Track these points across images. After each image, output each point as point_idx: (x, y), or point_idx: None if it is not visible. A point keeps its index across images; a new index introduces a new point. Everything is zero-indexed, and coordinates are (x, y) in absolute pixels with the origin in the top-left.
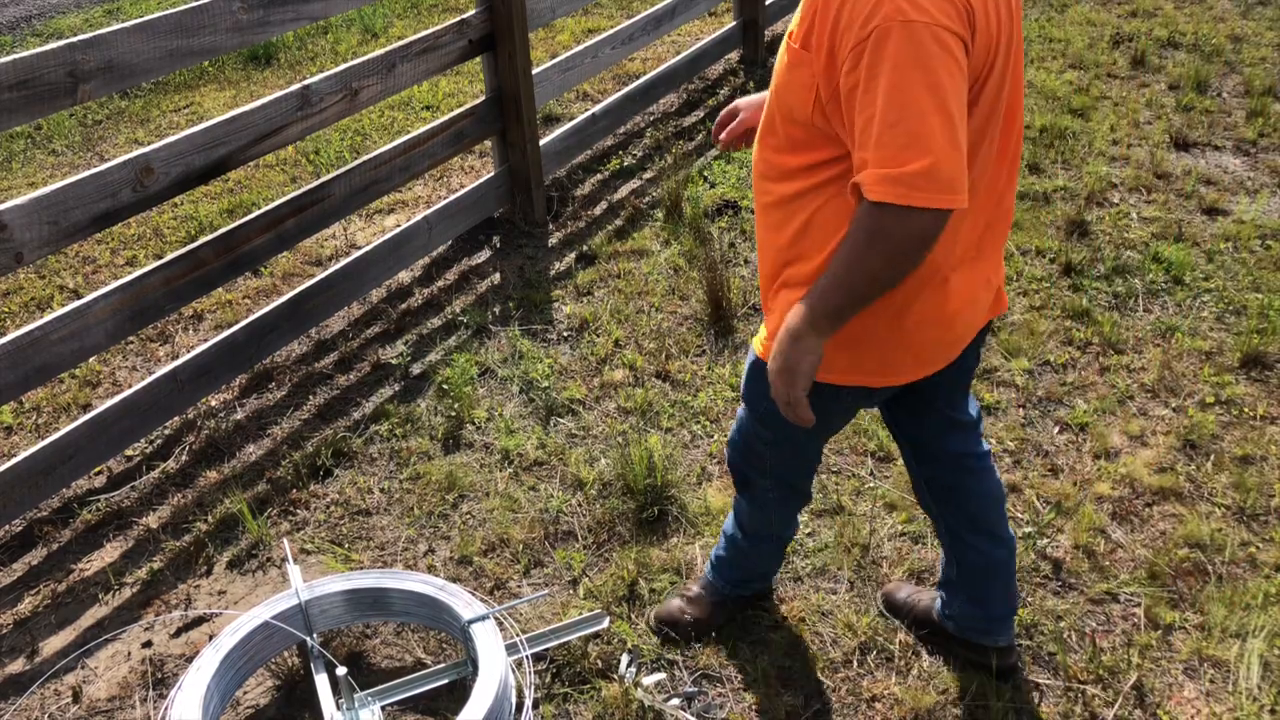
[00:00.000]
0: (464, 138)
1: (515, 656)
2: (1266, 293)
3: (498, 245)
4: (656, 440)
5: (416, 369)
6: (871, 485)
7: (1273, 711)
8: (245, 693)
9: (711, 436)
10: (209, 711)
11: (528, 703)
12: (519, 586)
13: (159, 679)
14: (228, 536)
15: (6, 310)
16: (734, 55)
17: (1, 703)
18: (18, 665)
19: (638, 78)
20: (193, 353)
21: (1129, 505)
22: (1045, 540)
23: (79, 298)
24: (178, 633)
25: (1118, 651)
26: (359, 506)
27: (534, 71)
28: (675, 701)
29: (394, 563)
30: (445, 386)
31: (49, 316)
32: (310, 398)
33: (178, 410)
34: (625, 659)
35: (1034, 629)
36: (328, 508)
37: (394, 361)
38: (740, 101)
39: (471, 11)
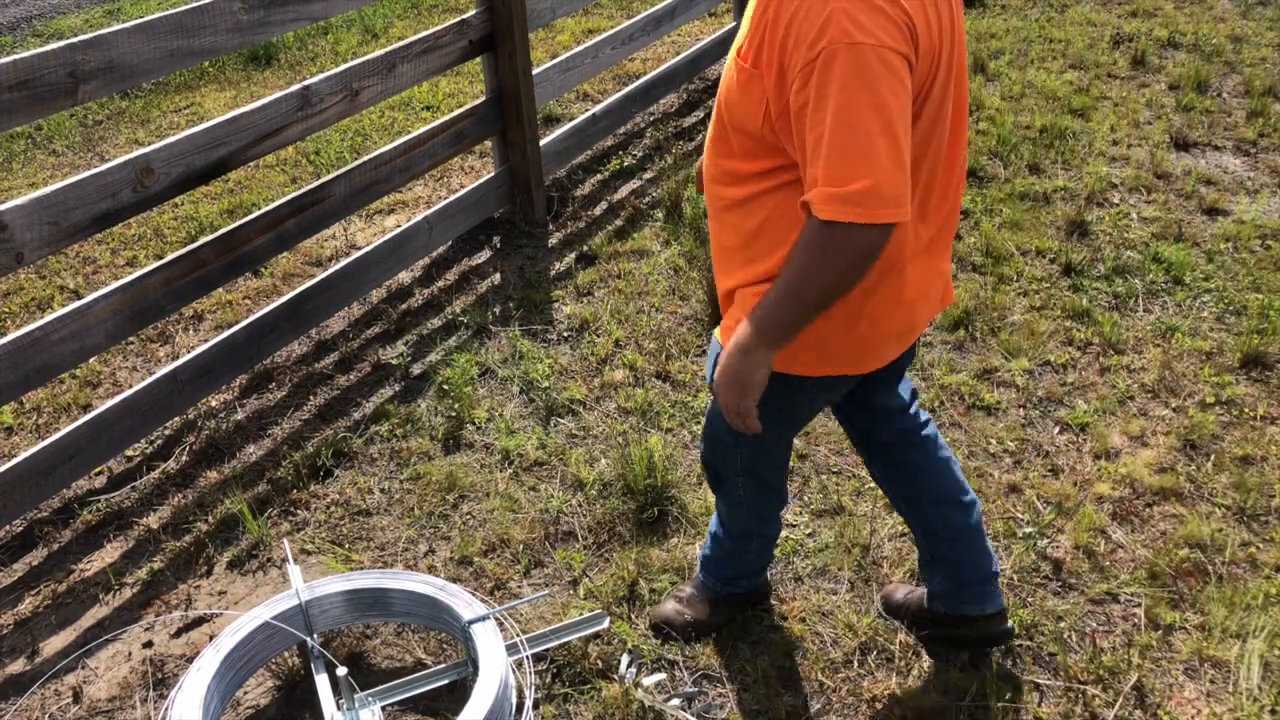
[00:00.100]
0: (464, 138)
1: (515, 657)
2: (1266, 293)
3: (498, 245)
4: (657, 440)
5: (417, 369)
6: (872, 485)
7: (1273, 712)
8: (246, 693)
9: None
10: (209, 712)
11: (528, 703)
12: (519, 587)
13: (159, 679)
14: (228, 537)
15: (7, 310)
16: None
17: (2, 703)
18: (18, 665)
19: (638, 78)
20: (193, 353)
21: (1129, 505)
22: (1045, 540)
23: (79, 298)
24: (178, 633)
25: (1118, 652)
26: (359, 507)
27: (534, 72)
28: (675, 702)
29: (394, 563)
30: (445, 387)
31: (49, 317)
32: (310, 398)
33: (178, 410)
34: (625, 659)
35: (1034, 629)
36: (328, 508)
37: (394, 362)
38: None
39: (471, 12)
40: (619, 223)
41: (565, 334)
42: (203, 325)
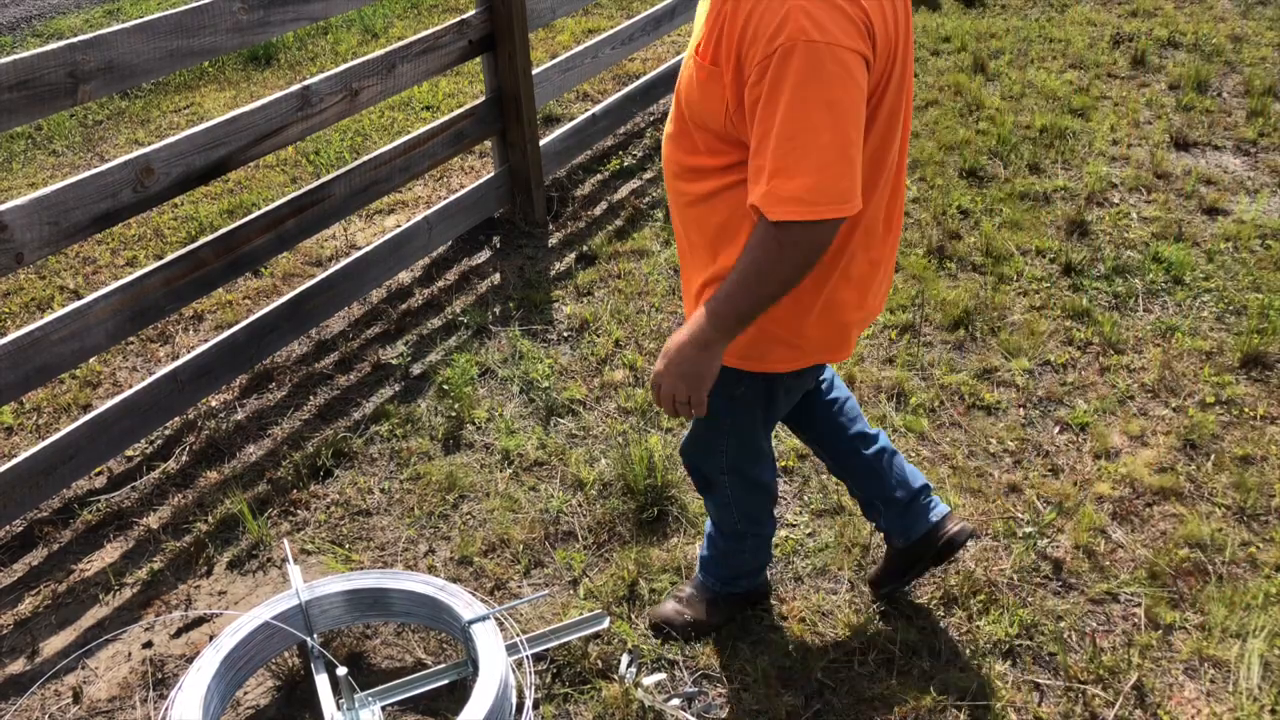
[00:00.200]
0: (464, 138)
1: (515, 657)
2: (1266, 293)
3: (498, 245)
4: (657, 440)
5: (417, 369)
6: None
7: (1273, 712)
8: (245, 693)
9: None
10: (209, 712)
11: (528, 703)
12: (519, 587)
13: (159, 679)
14: (228, 537)
15: (7, 310)
16: None
17: (2, 703)
18: (18, 665)
19: (638, 78)
20: (193, 353)
21: (1129, 505)
22: (1046, 540)
23: (79, 298)
24: (178, 633)
25: (1118, 651)
26: (359, 507)
27: (534, 72)
28: (675, 702)
29: (394, 563)
30: (445, 387)
31: (49, 317)
32: (310, 398)
33: (178, 410)
34: (625, 659)
35: (1034, 629)
36: (328, 508)
37: (394, 362)
38: None
39: (471, 12)
40: (619, 223)
41: (565, 334)
42: (203, 325)
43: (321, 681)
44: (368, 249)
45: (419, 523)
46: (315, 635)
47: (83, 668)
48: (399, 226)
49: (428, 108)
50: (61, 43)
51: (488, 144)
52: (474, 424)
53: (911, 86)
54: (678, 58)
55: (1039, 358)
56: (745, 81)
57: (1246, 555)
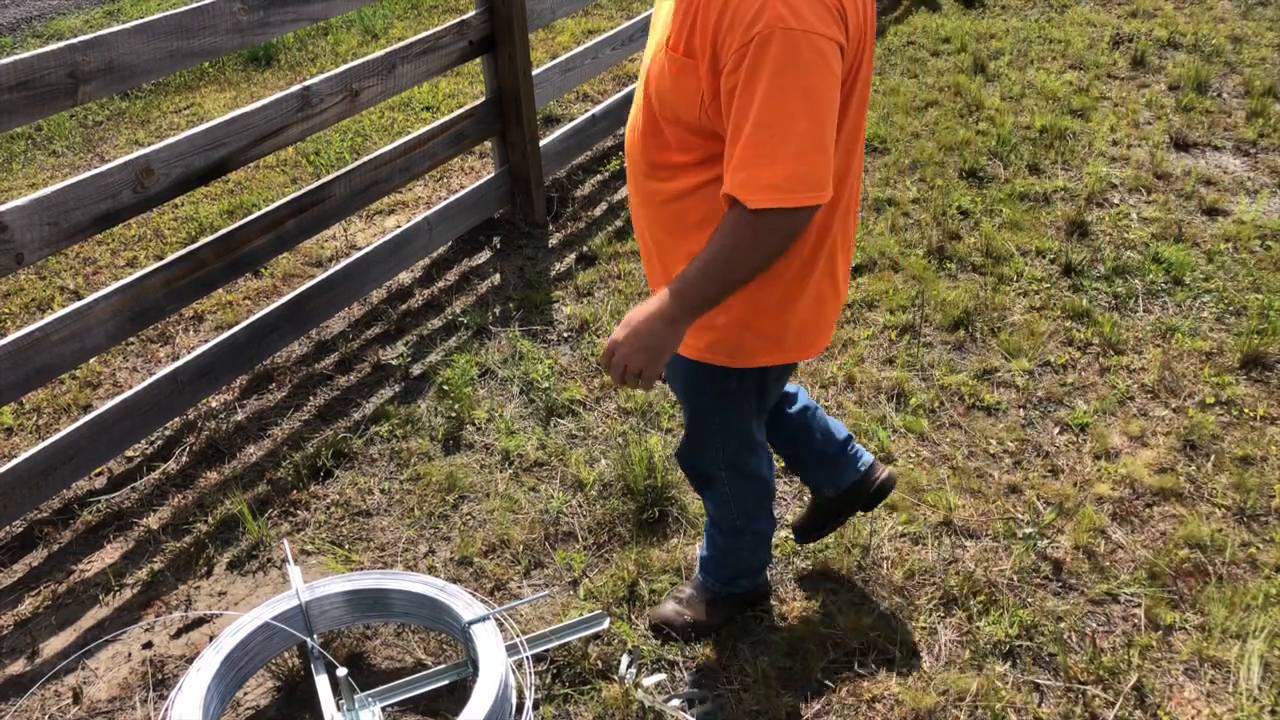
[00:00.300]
0: (464, 138)
1: (515, 657)
2: (1266, 293)
3: (498, 246)
4: (656, 441)
5: (417, 370)
6: None
7: (1273, 712)
8: (245, 694)
9: None
10: (209, 712)
11: (528, 703)
12: (519, 587)
13: (159, 680)
14: (228, 537)
15: (7, 311)
16: None
17: (2, 704)
18: (18, 666)
19: (637, 78)
20: (193, 353)
21: (1129, 506)
22: (1046, 541)
23: (79, 299)
24: (178, 634)
25: (1118, 652)
26: (359, 507)
27: (534, 72)
28: (675, 702)
29: (394, 563)
30: (445, 387)
31: (49, 317)
32: (310, 398)
33: (178, 411)
34: (625, 660)
35: (1034, 629)
36: (328, 508)
37: (394, 362)
38: None
39: (472, 12)
40: (619, 223)
41: (565, 334)
42: (203, 326)
43: (321, 682)
44: (368, 249)
45: (419, 523)
46: (315, 636)
47: (83, 668)
48: (399, 227)
49: (428, 108)
50: (61, 43)
51: (488, 144)
52: (474, 424)
53: (870, 74)
54: None
55: (1039, 358)
56: (721, 71)
57: (1246, 556)
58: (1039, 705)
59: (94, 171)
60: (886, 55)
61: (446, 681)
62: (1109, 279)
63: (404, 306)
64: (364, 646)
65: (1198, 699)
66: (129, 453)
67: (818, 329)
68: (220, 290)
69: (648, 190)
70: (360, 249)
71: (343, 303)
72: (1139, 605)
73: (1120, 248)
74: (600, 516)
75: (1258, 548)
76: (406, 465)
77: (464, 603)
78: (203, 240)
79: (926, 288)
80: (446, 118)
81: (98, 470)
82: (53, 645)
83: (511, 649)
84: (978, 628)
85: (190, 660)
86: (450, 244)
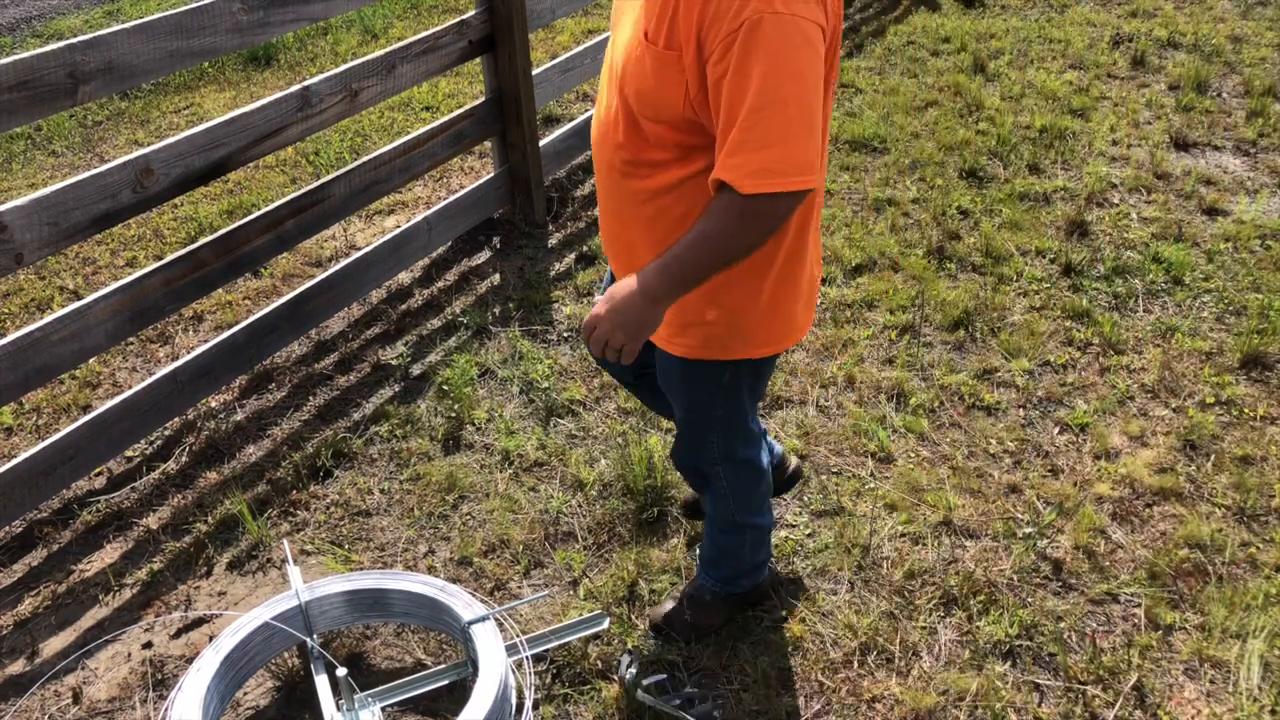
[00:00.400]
0: (464, 138)
1: (515, 657)
2: (1266, 293)
3: (498, 246)
4: (656, 441)
5: (416, 370)
6: (871, 486)
7: (1273, 712)
8: (245, 694)
9: None
10: (209, 712)
11: (528, 703)
12: (519, 587)
13: (159, 680)
14: (228, 537)
15: (7, 311)
16: None
17: (1, 704)
18: (18, 666)
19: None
20: (193, 354)
21: (1129, 506)
22: (1045, 540)
23: (79, 299)
24: (178, 634)
25: (1118, 652)
26: (359, 507)
27: (534, 72)
28: (675, 702)
29: (394, 563)
30: (445, 387)
31: (49, 317)
32: (310, 398)
33: (178, 411)
34: (625, 660)
35: (1034, 629)
36: (328, 509)
37: (394, 362)
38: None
39: (471, 12)
40: None
41: (565, 334)
42: (203, 326)
43: (321, 682)
44: (367, 249)
45: (419, 523)
46: (315, 636)
47: (82, 668)
48: (399, 227)
49: (428, 108)
50: (61, 43)
51: (488, 144)
52: (474, 424)
53: (839, 60)
54: None
55: (1039, 358)
56: (707, 60)
57: (1246, 556)
58: (1039, 705)
59: (94, 171)
60: (886, 55)
61: (446, 681)
62: (1109, 279)
63: (404, 306)
64: (364, 646)
65: (1198, 699)
66: (129, 453)
67: (806, 313)
68: (220, 290)
69: (625, 189)
70: (360, 249)
71: (342, 303)
72: (1139, 605)
73: (1120, 248)
74: (600, 516)
75: (1258, 548)
76: (406, 465)
77: (464, 603)
78: (202, 240)
79: (926, 288)
80: (446, 118)
81: (97, 470)
82: (53, 645)
83: (511, 649)
84: (978, 628)
85: (190, 660)
86: (450, 244)
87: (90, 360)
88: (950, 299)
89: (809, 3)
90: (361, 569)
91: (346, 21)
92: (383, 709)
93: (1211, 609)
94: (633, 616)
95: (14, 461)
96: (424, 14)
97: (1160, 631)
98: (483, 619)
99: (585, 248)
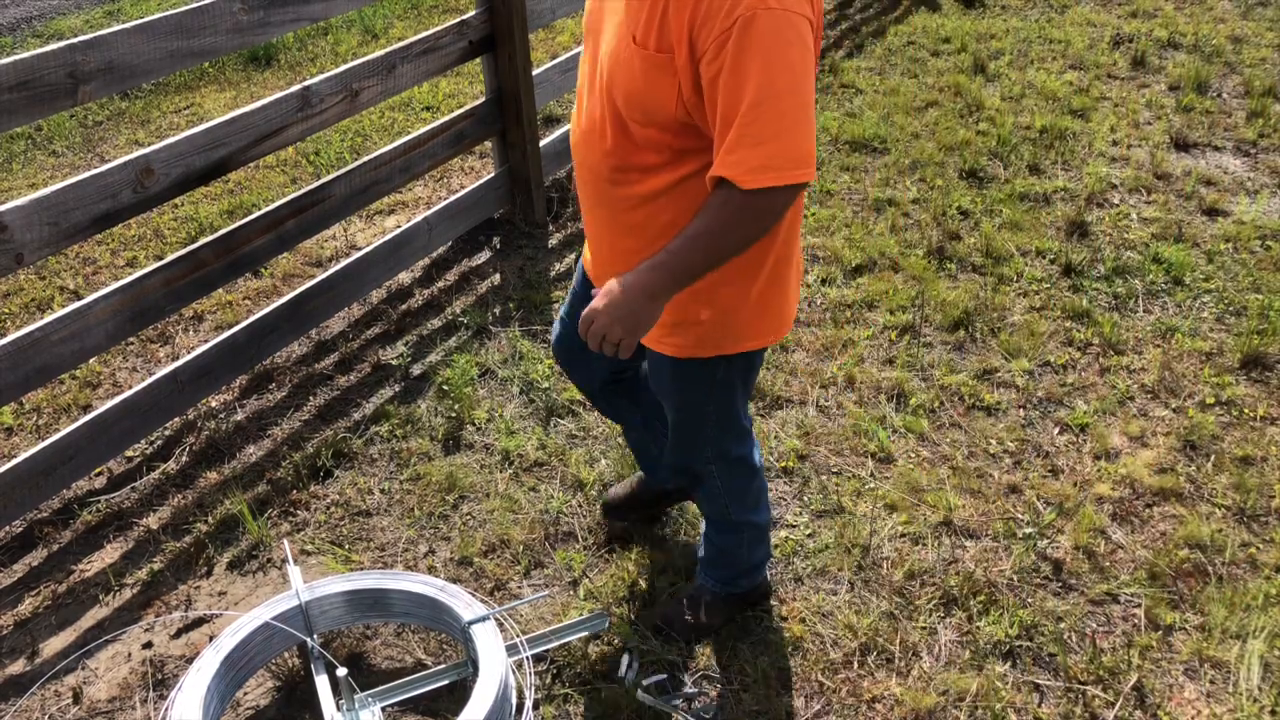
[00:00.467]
0: (464, 138)
1: (515, 657)
2: (1266, 293)
3: (498, 246)
4: None
5: (417, 370)
6: (871, 486)
7: (1273, 712)
8: (245, 694)
9: None
10: (209, 712)
11: (528, 703)
12: (519, 587)
13: (159, 680)
14: (228, 537)
15: (7, 311)
16: None
17: (2, 704)
18: (18, 666)
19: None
20: (193, 354)
21: (1129, 506)
22: (1045, 541)
23: (79, 299)
24: (178, 634)
25: (1118, 652)
26: (359, 507)
27: (534, 72)
28: (676, 702)
29: (394, 563)
30: (445, 387)
31: (49, 317)
32: (310, 398)
33: (178, 411)
34: (626, 660)
35: (1034, 630)
36: (328, 509)
37: (394, 362)
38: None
39: (472, 12)
40: None
41: None
42: (203, 326)
43: (321, 682)
44: (368, 249)
45: (419, 523)
46: (315, 636)
47: (83, 668)
48: (399, 227)
49: (428, 108)
50: (61, 43)
51: (488, 144)
52: (474, 424)
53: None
54: None
55: (1039, 358)
56: (700, 59)
57: (1246, 556)
58: (1039, 705)
59: (94, 171)
60: (886, 55)
61: (446, 681)
62: (1109, 279)
63: (404, 306)
64: (364, 646)
65: (1198, 699)
66: (129, 453)
67: (794, 305)
68: (220, 290)
69: (614, 196)
70: (360, 249)
71: (343, 303)
72: (1139, 605)
73: (1120, 248)
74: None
75: (1258, 548)
76: (406, 465)
77: (464, 603)
78: (203, 240)
79: (926, 288)
80: (446, 118)
81: (97, 470)
82: (53, 645)
83: (511, 649)
84: (978, 628)
85: (190, 660)
86: (450, 244)
87: (90, 360)
88: (950, 299)
89: None
90: (361, 569)
91: (347, 21)
92: (383, 709)
93: (1211, 609)
94: (633, 616)
95: (14, 461)
96: (424, 14)
97: (1160, 632)
98: (483, 619)
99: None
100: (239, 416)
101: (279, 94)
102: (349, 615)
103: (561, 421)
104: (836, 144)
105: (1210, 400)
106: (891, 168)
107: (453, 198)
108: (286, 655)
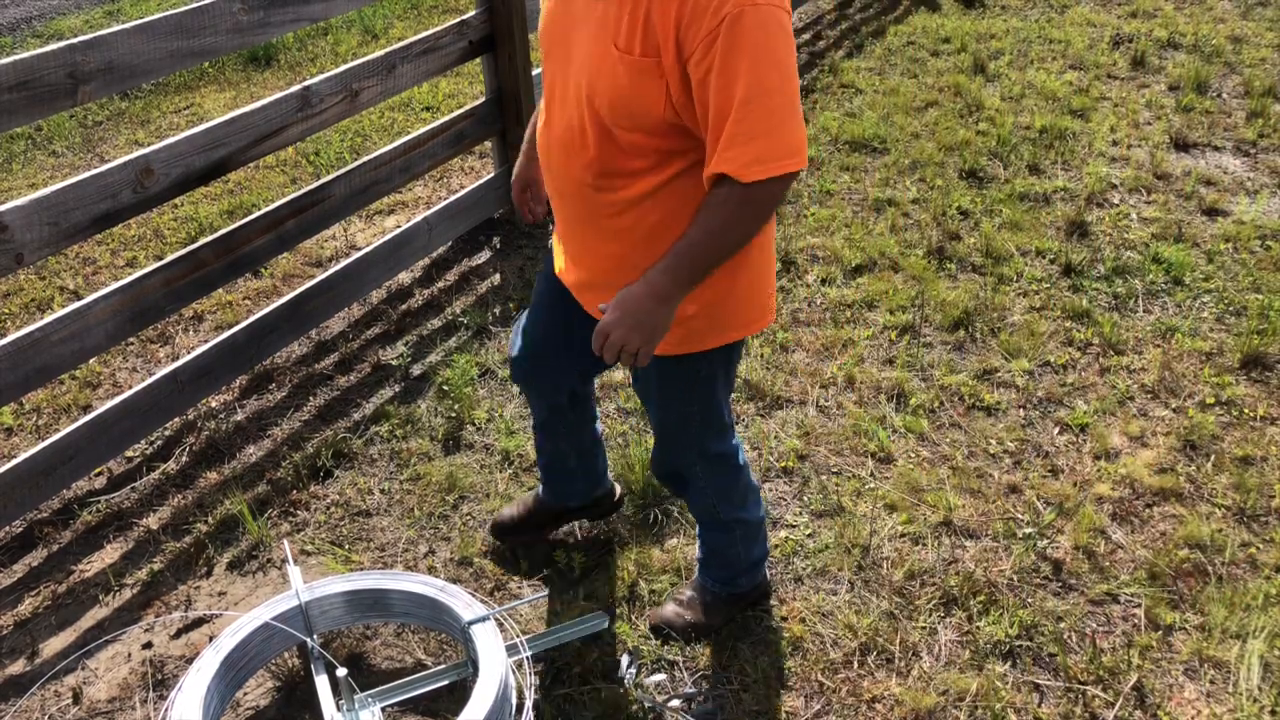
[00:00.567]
0: (464, 139)
1: (515, 657)
2: (1266, 293)
3: (498, 246)
4: None
5: (417, 370)
6: (871, 486)
7: (1273, 712)
8: (245, 694)
9: None
10: (209, 713)
11: (528, 704)
12: (519, 587)
13: (159, 680)
14: (228, 538)
15: (7, 311)
16: None
17: (1, 704)
18: (18, 666)
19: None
20: (193, 354)
21: (1129, 506)
22: (1045, 541)
23: (79, 299)
24: (178, 634)
25: (1118, 652)
26: (359, 507)
27: (534, 72)
28: (675, 703)
29: (394, 564)
30: (445, 387)
31: (49, 318)
32: (310, 399)
33: (178, 411)
34: (625, 660)
35: (1034, 630)
36: (328, 509)
37: (394, 362)
38: (520, 172)
39: (471, 12)
40: None
41: None
42: (203, 326)
43: (321, 682)
44: (368, 250)
45: (419, 523)
46: (315, 636)
47: (82, 668)
48: (399, 227)
49: (428, 108)
50: (61, 43)
51: (488, 144)
52: (474, 424)
53: None
54: None
55: (1039, 358)
56: (687, 60)
57: (1246, 556)
58: (1039, 705)
59: (94, 171)
60: (886, 55)
61: (446, 681)
62: (1109, 279)
63: (404, 306)
64: (364, 646)
65: (1198, 699)
66: (129, 453)
67: (774, 291)
68: (220, 290)
69: (598, 203)
70: (360, 249)
71: (342, 303)
72: (1139, 605)
73: (1120, 248)
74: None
75: (1258, 548)
76: (406, 465)
77: (464, 603)
78: (202, 240)
79: (926, 288)
80: (446, 118)
81: (97, 470)
82: (52, 645)
83: (511, 649)
84: (978, 628)
85: (190, 660)
86: (450, 244)
87: (90, 360)
88: (950, 299)
89: None
90: (361, 569)
91: (346, 22)
92: (383, 709)
93: (1211, 609)
94: (633, 617)
95: (14, 461)
96: (424, 14)
97: (1160, 632)
98: (483, 619)
99: None
100: (239, 417)
101: (279, 94)
102: (349, 615)
103: None
104: (836, 144)
105: (1210, 400)
106: (891, 168)
107: (453, 198)
108: (286, 655)
